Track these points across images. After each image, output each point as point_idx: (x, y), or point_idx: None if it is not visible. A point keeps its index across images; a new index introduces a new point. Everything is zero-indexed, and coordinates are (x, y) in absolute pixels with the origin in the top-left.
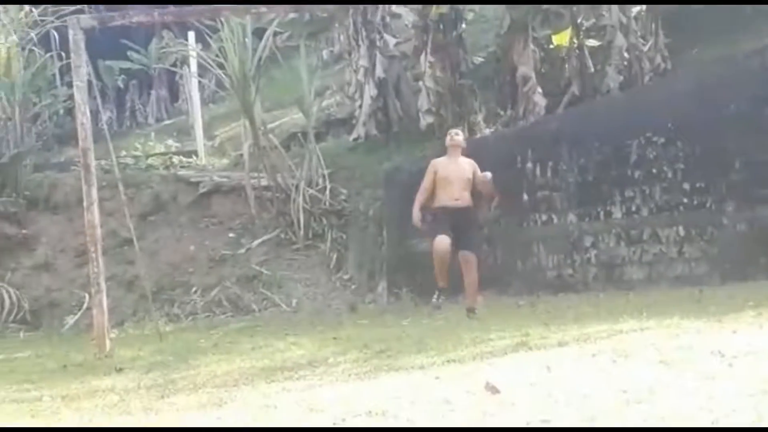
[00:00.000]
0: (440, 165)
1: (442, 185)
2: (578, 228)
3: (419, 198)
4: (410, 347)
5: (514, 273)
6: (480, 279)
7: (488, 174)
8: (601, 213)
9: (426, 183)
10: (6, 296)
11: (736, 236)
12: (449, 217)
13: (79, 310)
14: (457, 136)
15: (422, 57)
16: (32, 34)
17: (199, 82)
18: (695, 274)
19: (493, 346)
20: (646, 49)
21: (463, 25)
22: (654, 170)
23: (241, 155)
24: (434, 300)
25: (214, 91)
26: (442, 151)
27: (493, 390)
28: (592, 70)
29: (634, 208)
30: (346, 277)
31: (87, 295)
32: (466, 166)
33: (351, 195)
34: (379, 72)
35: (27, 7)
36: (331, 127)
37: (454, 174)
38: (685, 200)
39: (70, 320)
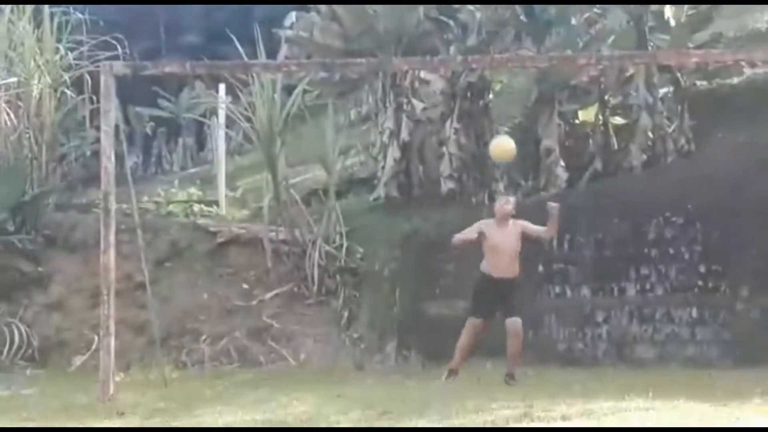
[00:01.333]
0: (489, 231)
1: (490, 254)
2: (591, 303)
3: (459, 237)
4: (413, 410)
5: (524, 343)
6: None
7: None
8: (615, 289)
9: (468, 235)
10: (16, 332)
11: (749, 322)
12: (494, 290)
13: (88, 350)
14: (509, 204)
15: (448, 123)
16: (66, 77)
17: (226, 133)
18: (706, 356)
19: (496, 415)
20: (671, 130)
21: (491, 95)
22: (671, 250)
23: (261, 208)
24: (444, 380)
25: (240, 143)
26: (461, 216)
27: None
28: (616, 147)
29: (648, 287)
30: (356, 335)
31: (96, 337)
32: (515, 237)
33: (367, 254)
34: (404, 135)
35: (62, 50)
36: (353, 186)
37: (504, 245)
38: (700, 282)
39: (78, 360)
